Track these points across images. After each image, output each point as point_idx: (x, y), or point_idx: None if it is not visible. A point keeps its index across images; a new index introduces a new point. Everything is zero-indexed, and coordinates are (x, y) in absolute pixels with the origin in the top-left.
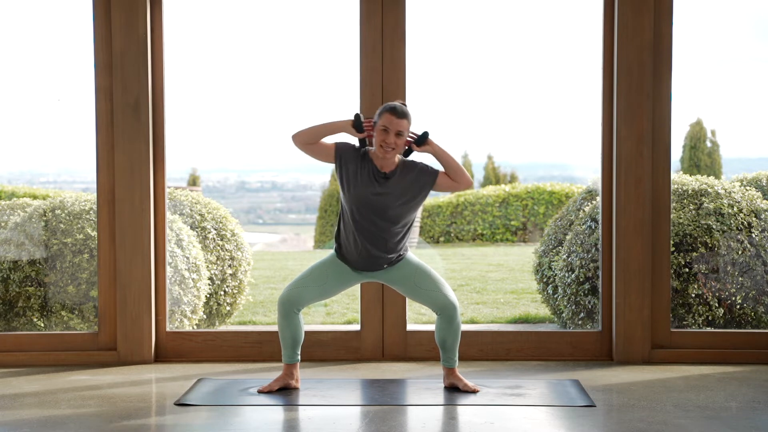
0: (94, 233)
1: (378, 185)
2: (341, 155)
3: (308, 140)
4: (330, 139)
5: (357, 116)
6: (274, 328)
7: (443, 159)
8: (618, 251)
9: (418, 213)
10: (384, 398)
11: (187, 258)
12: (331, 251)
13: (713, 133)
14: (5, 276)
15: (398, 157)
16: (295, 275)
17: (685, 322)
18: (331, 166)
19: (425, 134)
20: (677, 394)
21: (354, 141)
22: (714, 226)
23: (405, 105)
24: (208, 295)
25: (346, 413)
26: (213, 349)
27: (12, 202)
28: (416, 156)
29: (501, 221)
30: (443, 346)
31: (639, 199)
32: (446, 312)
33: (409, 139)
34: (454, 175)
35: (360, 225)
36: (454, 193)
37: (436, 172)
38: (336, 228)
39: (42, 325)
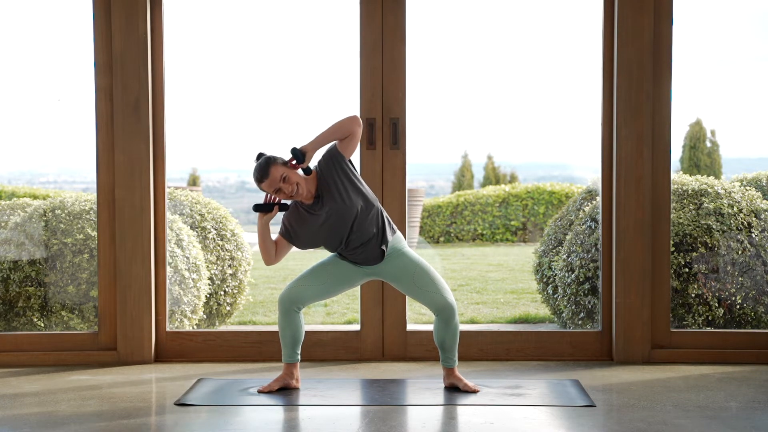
0: (94, 233)
1: (319, 212)
2: (289, 237)
3: (269, 255)
4: (275, 235)
5: (255, 207)
6: (275, 328)
7: (326, 139)
8: (618, 251)
9: (418, 213)
10: (384, 398)
11: (187, 258)
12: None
13: (713, 133)
14: (5, 276)
15: (306, 181)
16: (295, 275)
17: (685, 322)
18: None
19: (295, 151)
20: (677, 394)
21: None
22: (714, 226)
23: (261, 155)
24: (208, 295)
25: (346, 413)
26: (213, 349)
27: (12, 202)
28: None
29: (501, 221)
30: (442, 346)
31: (639, 199)
32: (444, 313)
33: (294, 168)
34: (342, 134)
35: (344, 240)
36: (454, 193)
37: (333, 146)
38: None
39: (42, 325)
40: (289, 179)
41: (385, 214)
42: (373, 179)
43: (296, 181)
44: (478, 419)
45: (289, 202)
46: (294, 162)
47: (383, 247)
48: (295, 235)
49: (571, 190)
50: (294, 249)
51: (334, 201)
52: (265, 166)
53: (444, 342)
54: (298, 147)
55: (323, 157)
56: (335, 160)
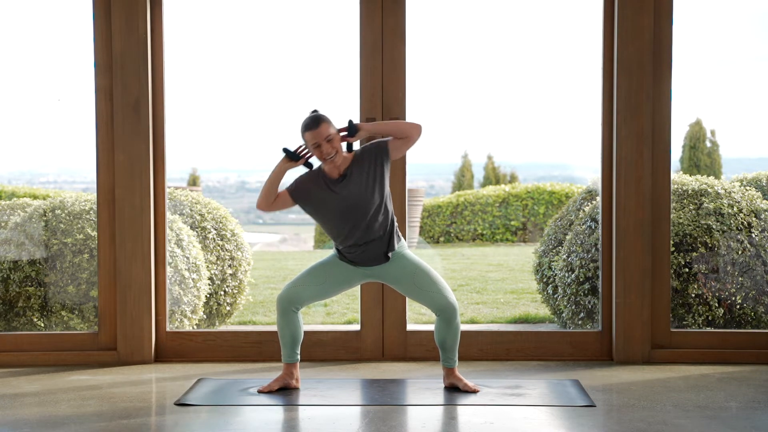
0: (94, 233)
1: (340, 190)
2: (297, 198)
3: (268, 199)
4: (282, 188)
5: (285, 150)
6: (274, 328)
7: (382, 130)
8: (618, 251)
9: (418, 213)
10: (384, 398)
11: (187, 258)
12: (332, 251)
13: (713, 133)
14: (5, 276)
15: (344, 155)
16: (295, 275)
17: (685, 322)
18: None
19: (351, 123)
20: (677, 394)
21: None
22: (714, 226)
23: (316, 111)
24: (208, 295)
25: (346, 413)
26: (213, 349)
27: (12, 202)
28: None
29: (501, 221)
30: (443, 346)
31: (639, 199)
32: (445, 313)
33: (341, 136)
34: (402, 134)
35: (346, 228)
36: (454, 193)
37: (385, 141)
38: (332, 241)
39: (42, 325)
40: (333, 142)
41: (395, 223)
42: None
43: (337, 148)
44: (478, 419)
45: (314, 166)
46: (344, 133)
47: (388, 254)
48: (303, 199)
49: (571, 190)
50: (292, 218)
51: (358, 186)
52: (317, 119)
53: (445, 342)
54: (355, 122)
55: (372, 144)
56: (381, 152)
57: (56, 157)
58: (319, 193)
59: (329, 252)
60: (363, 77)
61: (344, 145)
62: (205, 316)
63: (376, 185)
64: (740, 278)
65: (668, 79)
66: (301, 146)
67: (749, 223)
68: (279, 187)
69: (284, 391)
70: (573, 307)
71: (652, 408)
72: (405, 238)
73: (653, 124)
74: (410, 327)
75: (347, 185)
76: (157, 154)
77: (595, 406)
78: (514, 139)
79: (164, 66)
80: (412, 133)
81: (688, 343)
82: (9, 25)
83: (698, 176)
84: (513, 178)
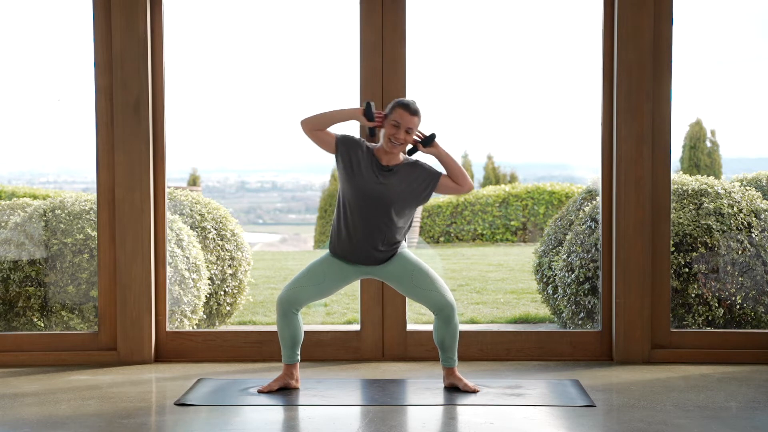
0: (94, 233)
1: (381, 177)
2: (342, 145)
3: (316, 126)
4: (335, 129)
5: (368, 105)
6: (274, 328)
7: (447, 162)
8: (618, 251)
9: (418, 213)
10: (384, 398)
11: (187, 258)
12: (327, 250)
13: (713, 133)
14: (5, 276)
15: (402, 155)
16: (295, 275)
17: (685, 322)
18: (331, 167)
19: (433, 136)
20: (677, 394)
21: (356, 134)
22: (714, 226)
23: (417, 105)
24: (208, 295)
25: (346, 413)
26: (213, 349)
27: (12, 202)
28: (419, 156)
29: (501, 221)
30: (442, 346)
31: (639, 199)
32: (444, 312)
33: (416, 138)
34: (457, 179)
35: (359, 217)
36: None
37: (440, 173)
38: (332, 224)
39: (42, 325)
40: (410, 135)
41: (403, 238)
42: None
43: (407, 142)
44: (479, 419)
45: (375, 144)
46: (422, 137)
47: (380, 260)
48: (345, 152)
49: (571, 190)
50: (317, 163)
51: (397, 189)
52: (417, 110)
53: (444, 341)
54: (436, 137)
55: (431, 168)
56: (431, 179)
57: (56, 157)
58: (362, 162)
59: (326, 251)
60: (363, 77)
61: (411, 145)
62: (205, 316)
63: (410, 199)
64: (740, 278)
65: (668, 79)
66: (381, 112)
67: (749, 223)
68: (331, 129)
69: (284, 391)
70: (573, 307)
71: (652, 408)
72: (405, 239)
73: (653, 124)
74: (410, 327)
75: (389, 179)
76: (157, 154)
77: (595, 406)
78: (514, 139)
79: (164, 66)
80: (465, 186)
81: (688, 343)
82: (9, 25)
83: (698, 176)
84: (513, 178)
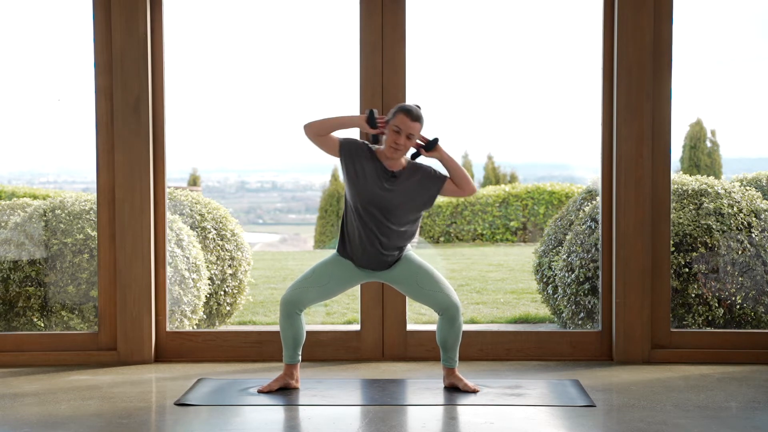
0: (94, 233)
1: (385, 182)
2: (346, 151)
3: (319, 132)
4: (339, 134)
5: (371, 112)
6: (274, 328)
7: (450, 166)
8: (618, 251)
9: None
10: (384, 398)
11: (187, 258)
12: (334, 251)
13: (713, 133)
14: (5, 276)
15: (405, 159)
16: (295, 275)
17: (685, 322)
18: (332, 167)
19: (435, 140)
20: (677, 394)
21: (359, 137)
22: (714, 226)
23: (420, 108)
24: (208, 295)
25: (346, 413)
26: (213, 349)
27: (12, 202)
28: (423, 160)
29: (501, 221)
30: (444, 346)
31: (639, 199)
32: (449, 312)
33: (418, 143)
34: (459, 182)
35: (364, 222)
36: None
37: (444, 177)
38: (340, 225)
39: (42, 325)
40: (411, 140)
41: (408, 248)
42: None
43: (409, 147)
44: (479, 419)
45: (380, 146)
46: (425, 142)
47: (388, 264)
48: (349, 155)
49: (571, 190)
50: (317, 163)
51: (402, 194)
52: (419, 116)
53: (446, 341)
54: (439, 141)
55: (435, 171)
56: (437, 183)
57: (56, 157)
58: (367, 168)
59: (330, 252)
60: (363, 77)
61: (414, 149)
62: (205, 316)
63: (415, 203)
64: (740, 278)
65: (668, 79)
66: (383, 118)
67: (749, 223)
68: (334, 134)
69: (284, 391)
70: (573, 307)
71: (652, 408)
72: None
73: (653, 124)
74: (410, 327)
75: (394, 182)
76: (157, 154)
77: (595, 406)
78: (514, 139)
79: (164, 66)
80: (467, 189)
81: (688, 343)
82: (9, 25)
83: (698, 176)
84: (513, 178)
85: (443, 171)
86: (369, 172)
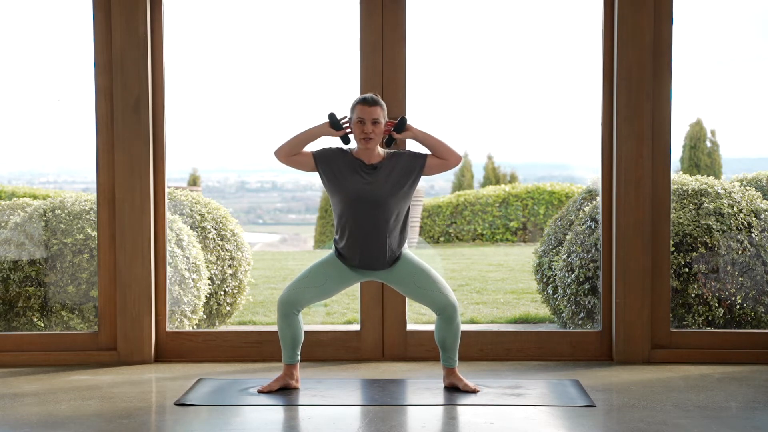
0: (94, 233)
1: (367, 176)
2: (321, 159)
3: (291, 151)
4: (309, 148)
5: (331, 115)
6: (274, 328)
7: (427, 142)
8: (618, 251)
9: (418, 213)
10: (384, 398)
11: (187, 258)
12: (331, 251)
13: (713, 133)
14: (5, 276)
15: (383, 151)
16: (295, 275)
17: (685, 322)
18: None
19: (403, 120)
20: (677, 394)
21: (336, 143)
22: (714, 226)
23: (377, 96)
24: (208, 295)
25: (346, 413)
26: (213, 349)
27: (12, 202)
28: (411, 146)
29: (501, 221)
30: (443, 346)
31: (639, 199)
32: (446, 312)
33: (388, 128)
34: (441, 154)
35: (356, 224)
36: (454, 193)
37: (425, 155)
38: (334, 231)
39: (42, 325)
40: (378, 126)
41: (405, 239)
42: None
43: (378, 133)
44: (479, 419)
45: (351, 146)
46: (392, 125)
47: (385, 264)
48: (326, 165)
49: (571, 190)
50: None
51: (385, 185)
52: (376, 100)
53: (445, 341)
54: (407, 120)
55: (411, 153)
56: (418, 162)
57: (56, 157)
58: (345, 168)
59: (329, 251)
60: (363, 77)
61: (387, 136)
62: (205, 316)
63: (401, 189)
64: (740, 278)
65: (668, 79)
66: (345, 117)
67: (749, 223)
68: (305, 149)
69: (284, 391)
70: (573, 307)
71: (652, 408)
72: (406, 239)
73: (653, 124)
74: (410, 327)
75: (375, 174)
76: (157, 154)
77: (595, 406)
78: (514, 139)
79: (164, 66)
80: (451, 158)
81: (688, 343)
82: (9, 26)
83: (698, 176)
84: (513, 178)
85: (424, 151)
86: (348, 171)
